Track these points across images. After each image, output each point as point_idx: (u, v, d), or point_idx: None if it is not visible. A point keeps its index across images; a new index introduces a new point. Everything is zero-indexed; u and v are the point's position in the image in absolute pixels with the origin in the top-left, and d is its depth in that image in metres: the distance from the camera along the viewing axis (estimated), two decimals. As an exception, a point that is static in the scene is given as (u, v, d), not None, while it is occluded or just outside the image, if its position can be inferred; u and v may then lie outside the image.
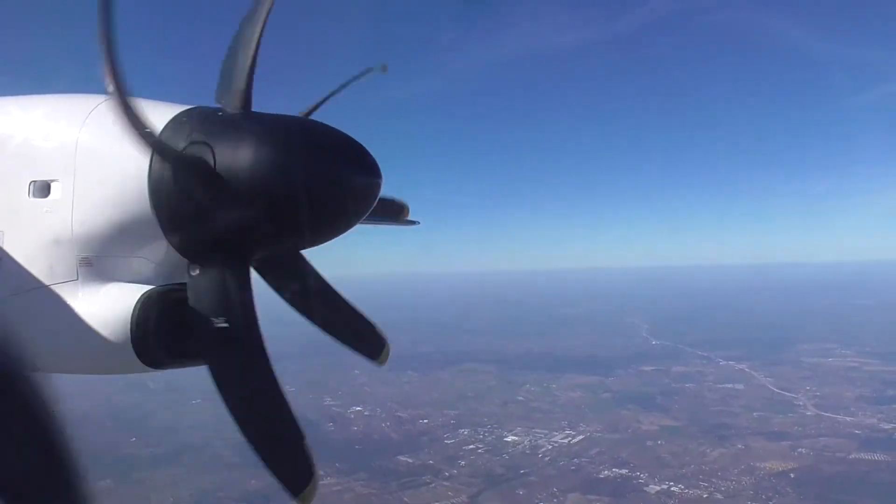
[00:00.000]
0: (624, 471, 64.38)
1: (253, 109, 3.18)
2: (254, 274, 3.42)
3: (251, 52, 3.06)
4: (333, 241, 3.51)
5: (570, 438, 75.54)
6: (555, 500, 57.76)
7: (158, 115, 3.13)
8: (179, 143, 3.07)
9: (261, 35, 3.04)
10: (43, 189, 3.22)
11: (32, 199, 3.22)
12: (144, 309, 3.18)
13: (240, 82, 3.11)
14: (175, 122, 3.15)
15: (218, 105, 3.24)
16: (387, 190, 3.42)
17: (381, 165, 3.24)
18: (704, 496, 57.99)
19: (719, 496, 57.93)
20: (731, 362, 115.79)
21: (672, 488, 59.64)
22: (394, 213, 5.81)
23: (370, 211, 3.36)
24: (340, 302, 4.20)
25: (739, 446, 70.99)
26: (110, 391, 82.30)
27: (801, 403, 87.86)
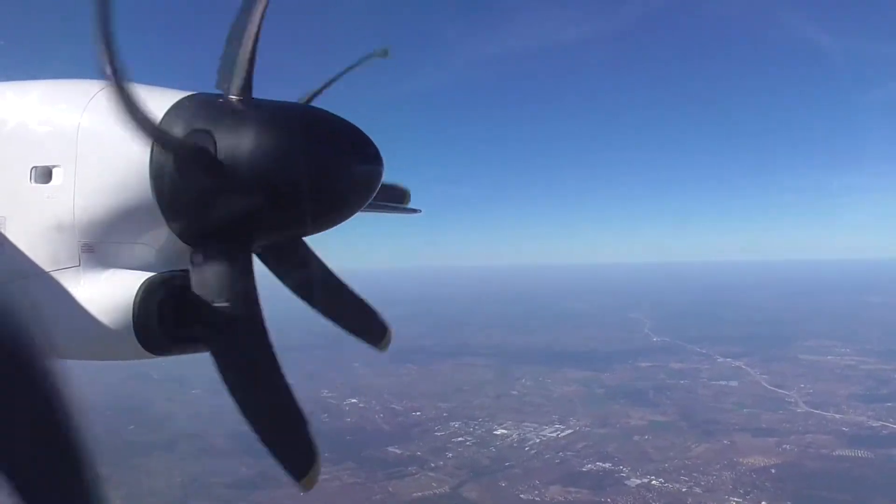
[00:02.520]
0: (607, 465, 65.38)
1: (253, 96, 3.22)
2: (257, 262, 3.47)
3: (252, 39, 3.09)
4: (336, 230, 3.60)
5: (558, 432, 76.60)
6: (535, 493, 58.84)
7: (159, 101, 3.15)
8: (180, 130, 3.08)
9: (261, 21, 3.07)
10: (44, 175, 3.20)
11: (34, 185, 3.21)
12: (146, 295, 3.16)
13: (241, 69, 3.12)
14: (176, 109, 3.15)
15: (219, 91, 3.24)
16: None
17: (385, 158, 3.32)
18: (683, 490, 58.88)
19: (698, 490, 58.76)
20: (728, 359, 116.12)
21: (652, 482, 60.51)
22: (395, 198, 5.70)
23: (372, 198, 3.42)
24: (343, 289, 4.20)
25: (725, 442, 71.75)
26: (113, 380, 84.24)
27: (792, 400, 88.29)
